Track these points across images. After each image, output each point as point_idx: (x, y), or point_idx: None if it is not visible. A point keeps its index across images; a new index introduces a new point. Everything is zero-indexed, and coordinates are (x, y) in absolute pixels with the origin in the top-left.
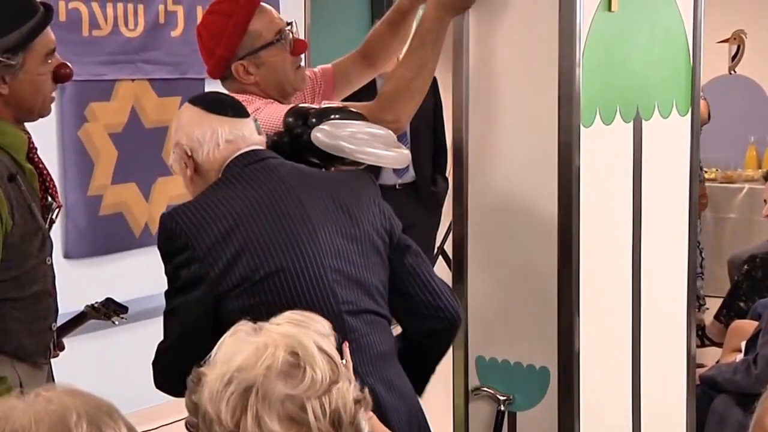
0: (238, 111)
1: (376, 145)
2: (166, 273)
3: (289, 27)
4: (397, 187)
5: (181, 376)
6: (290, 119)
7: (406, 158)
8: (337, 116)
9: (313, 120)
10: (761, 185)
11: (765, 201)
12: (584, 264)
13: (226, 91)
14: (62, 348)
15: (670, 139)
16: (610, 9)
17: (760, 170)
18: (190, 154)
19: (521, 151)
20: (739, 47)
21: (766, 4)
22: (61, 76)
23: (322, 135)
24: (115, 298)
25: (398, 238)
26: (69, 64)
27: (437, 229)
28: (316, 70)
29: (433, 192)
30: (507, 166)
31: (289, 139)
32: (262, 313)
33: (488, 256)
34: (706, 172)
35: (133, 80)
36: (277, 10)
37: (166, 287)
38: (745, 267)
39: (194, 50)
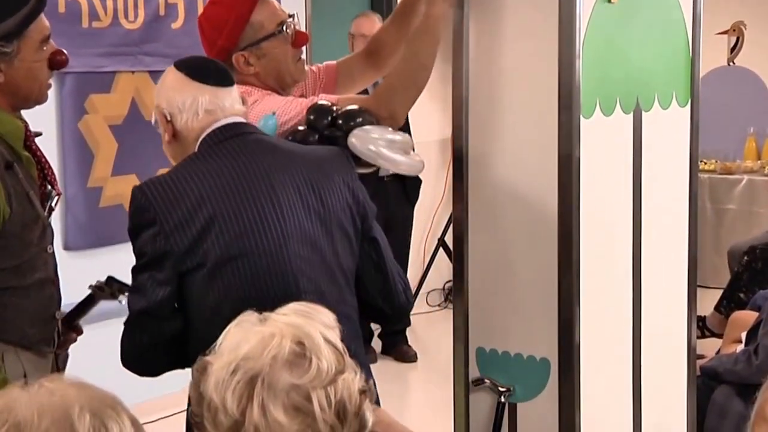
0: (221, 79)
1: (395, 151)
2: (134, 247)
3: (291, 19)
4: (385, 179)
5: (144, 354)
6: (318, 120)
7: (421, 165)
8: (360, 119)
9: (341, 122)
10: (760, 176)
11: None
12: (584, 255)
13: None
14: (80, 332)
15: (670, 130)
16: (609, 0)
17: (759, 161)
18: (169, 119)
19: (521, 143)
20: (738, 39)
21: None
22: (56, 62)
23: (357, 141)
24: (83, 316)
25: (369, 224)
26: (64, 51)
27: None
28: (320, 65)
29: (417, 182)
30: (507, 158)
31: (319, 139)
32: (223, 295)
33: (488, 247)
34: (705, 163)
35: (133, 72)
36: (279, 2)
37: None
38: (745, 258)
39: (195, 42)
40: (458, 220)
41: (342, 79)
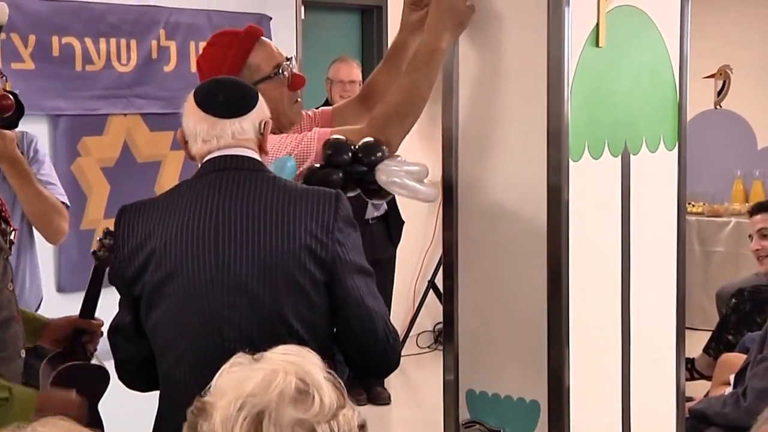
0: (224, 110)
1: (415, 181)
2: None
3: (288, 62)
4: (370, 221)
5: (122, 368)
6: (337, 155)
7: (436, 192)
8: (380, 153)
9: (362, 156)
10: (748, 219)
11: (750, 237)
12: (574, 297)
13: None
14: (101, 323)
15: (658, 173)
16: (597, 45)
17: (746, 204)
18: (186, 140)
19: (511, 185)
20: (724, 82)
21: (751, 40)
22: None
23: (383, 176)
24: (98, 300)
25: (339, 275)
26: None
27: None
28: (316, 110)
29: (399, 224)
30: (497, 200)
31: (344, 176)
32: (153, 333)
33: (478, 289)
34: (693, 205)
35: (125, 114)
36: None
37: None
38: (733, 300)
39: (187, 85)
40: (448, 263)
41: (337, 123)
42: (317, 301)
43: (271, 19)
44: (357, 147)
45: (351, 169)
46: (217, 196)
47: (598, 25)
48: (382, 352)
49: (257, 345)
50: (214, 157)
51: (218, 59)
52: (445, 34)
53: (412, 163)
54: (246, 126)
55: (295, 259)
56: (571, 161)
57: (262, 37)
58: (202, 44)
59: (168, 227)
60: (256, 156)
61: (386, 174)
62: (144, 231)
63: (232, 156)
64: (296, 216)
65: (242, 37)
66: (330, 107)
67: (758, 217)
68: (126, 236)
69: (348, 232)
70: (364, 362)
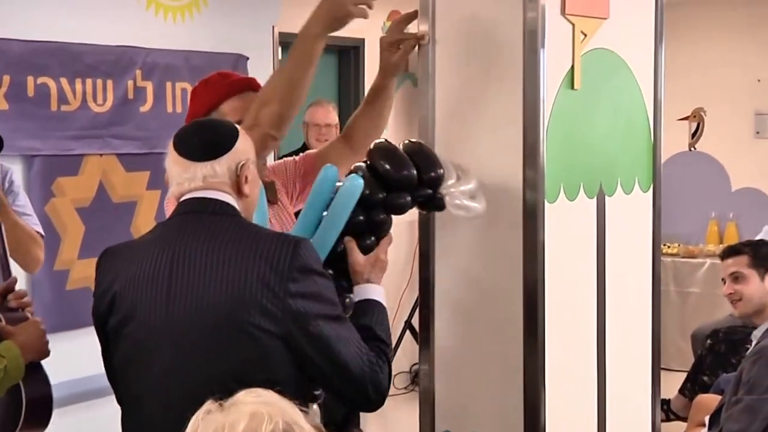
0: (196, 153)
1: (470, 200)
2: None
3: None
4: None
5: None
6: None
7: (484, 206)
8: (441, 171)
9: (431, 177)
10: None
11: (723, 280)
12: (549, 338)
13: None
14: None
15: (632, 214)
16: (572, 87)
17: (721, 245)
18: (168, 182)
19: (487, 226)
20: (698, 125)
21: (725, 83)
22: None
23: (449, 198)
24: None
25: (300, 324)
26: None
27: None
28: (301, 156)
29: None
30: (473, 240)
31: (415, 199)
32: (118, 373)
33: (454, 331)
34: (668, 246)
35: (101, 155)
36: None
37: None
38: (708, 341)
39: (163, 125)
40: (424, 305)
41: (320, 164)
42: (272, 348)
43: (248, 59)
44: (415, 162)
45: (422, 194)
46: (176, 240)
47: (573, 67)
48: (362, 391)
49: (207, 392)
50: (184, 200)
51: (198, 96)
52: (318, 21)
53: (463, 181)
54: (219, 169)
55: (245, 307)
56: (546, 203)
57: (250, 92)
58: (179, 84)
59: (129, 270)
60: (228, 199)
61: (450, 196)
62: (114, 272)
63: (198, 198)
64: (251, 262)
65: (230, 82)
66: (313, 151)
67: (730, 260)
68: (101, 277)
69: (305, 281)
70: (347, 400)
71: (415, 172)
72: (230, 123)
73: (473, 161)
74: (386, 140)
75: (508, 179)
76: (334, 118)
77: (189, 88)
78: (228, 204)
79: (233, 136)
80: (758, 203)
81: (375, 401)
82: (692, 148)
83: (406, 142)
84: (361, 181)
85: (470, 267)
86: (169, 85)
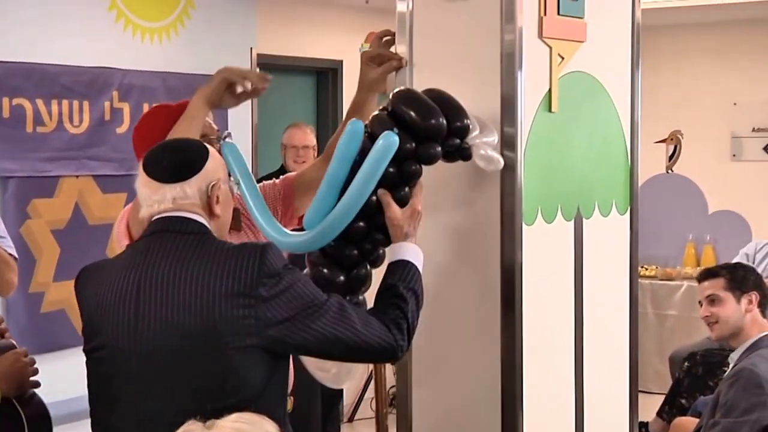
0: (164, 175)
1: (492, 150)
2: None
3: (217, 137)
4: None
5: None
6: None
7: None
8: (467, 120)
9: (459, 126)
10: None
11: (699, 303)
12: (527, 361)
13: None
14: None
15: (610, 237)
16: (550, 110)
17: (698, 267)
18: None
19: (462, 248)
20: (676, 147)
21: (702, 106)
22: None
23: (475, 150)
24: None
25: (277, 324)
26: None
27: None
28: (281, 178)
29: None
30: (449, 263)
31: (444, 149)
32: (90, 393)
33: (432, 352)
34: (646, 269)
35: (77, 176)
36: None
37: None
38: (686, 364)
39: None
40: None
41: (301, 188)
42: (248, 364)
43: None
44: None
45: (445, 144)
46: (143, 262)
47: (550, 90)
48: (380, 354)
49: (179, 415)
50: (153, 220)
51: (148, 131)
52: (205, 88)
53: (489, 133)
54: (189, 190)
55: (216, 326)
56: (524, 225)
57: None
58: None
59: (99, 293)
60: (199, 218)
61: (476, 147)
62: (88, 293)
63: (166, 218)
64: (219, 278)
65: (173, 110)
66: (293, 173)
67: (706, 283)
68: (79, 299)
69: (277, 284)
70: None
71: (444, 121)
72: (200, 143)
73: (451, 183)
74: (408, 88)
75: (486, 201)
76: (311, 140)
77: None
78: (198, 222)
79: (203, 157)
80: (735, 226)
81: (394, 354)
82: (669, 171)
83: (427, 89)
84: (397, 138)
85: (447, 288)
86: (146, 106)
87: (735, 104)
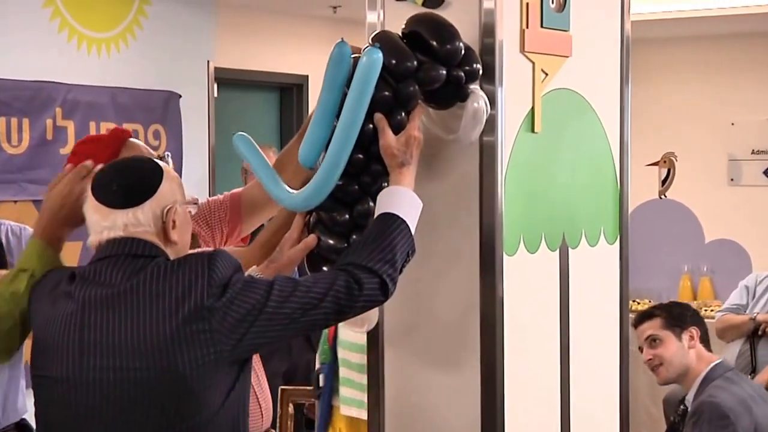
0: (115, 200)
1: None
2: None
3: (162, 159)
4: None
5: None
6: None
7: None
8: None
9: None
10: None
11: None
12: (509, 400)
13: None
14: None
15: (598, 268)
16: (533, 130)
17: (695, 301)
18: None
19: (443, 279)
20: (669, 170)
21: (697, 126)
22: None
23: (472, 98)
24: None
25: (238, 327)
26: None
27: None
28: (226, 194)
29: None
30: (428, 293)
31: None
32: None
33: (408, 388)
34: (638, 303)
35: (15, 202)
36: (180, 131)
37: None
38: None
39: None
40: (373, 349)
41: (247, 205)
42: (206, 382)
43: (180, 96)
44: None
45: (452, 73)
46: (88, 288)
47: (533, 109)
48: (360, 307)
49: None
50: (100, 244)
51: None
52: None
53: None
54: (142, 216)
55: (170, 347)
56: (505, 255)
57: (131, 139)
58: (105, 125)
59: (43, 319)
60: (152, 240)
61: (475, 92)
62: (38, 318)
63: (113, 240)
64: (167, 297)
65: (106, 143)
66: (238, 190)
67: (644, 325)
68: (31, 314)
69: (229, 288)
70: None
71: (462, 46)
72: (154, 162)
73: (427, 209)
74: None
75: (464, 229)
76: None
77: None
78: (150, 244)
79: (157, 179)
80: (734, 255)
81: (362, 287)
82: (662, 196)
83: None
84: (380, 54)
85: (427, 323)
86: (93, 124)
87: (733, 124)
